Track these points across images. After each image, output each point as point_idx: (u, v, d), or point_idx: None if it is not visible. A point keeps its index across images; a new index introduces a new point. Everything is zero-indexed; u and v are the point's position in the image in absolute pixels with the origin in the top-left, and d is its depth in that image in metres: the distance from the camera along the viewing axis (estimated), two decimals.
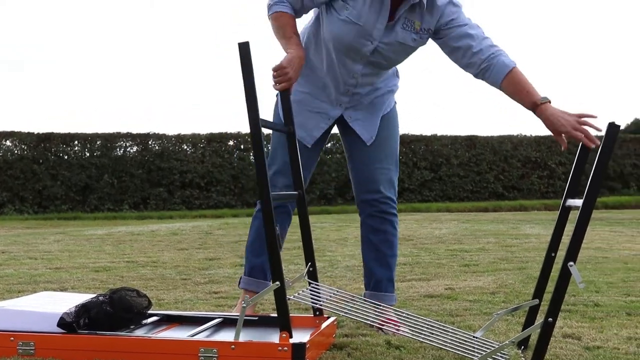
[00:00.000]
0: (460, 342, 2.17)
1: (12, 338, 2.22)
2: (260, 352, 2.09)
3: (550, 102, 2.30)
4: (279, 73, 2.40)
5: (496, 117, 39.46)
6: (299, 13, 2.55)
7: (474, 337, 2.21)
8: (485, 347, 2.12)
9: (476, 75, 2.48)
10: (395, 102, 2.79)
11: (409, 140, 17.30)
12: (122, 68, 35.65)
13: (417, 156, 17.29)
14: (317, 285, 2.42)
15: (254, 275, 2.73)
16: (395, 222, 2.73)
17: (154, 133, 16.13)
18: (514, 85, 2.38)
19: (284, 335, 2.10)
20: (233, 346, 2.10)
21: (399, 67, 2.76)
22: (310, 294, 2.37)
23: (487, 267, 4.56)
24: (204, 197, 15.99)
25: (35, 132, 15.51)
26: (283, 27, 2.49)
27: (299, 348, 2.07)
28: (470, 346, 2.14)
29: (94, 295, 2.43)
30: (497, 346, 2.07)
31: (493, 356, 2.06)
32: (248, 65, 2.12)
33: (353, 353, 2.29)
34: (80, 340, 2.20)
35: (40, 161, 15.35)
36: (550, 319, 1.93)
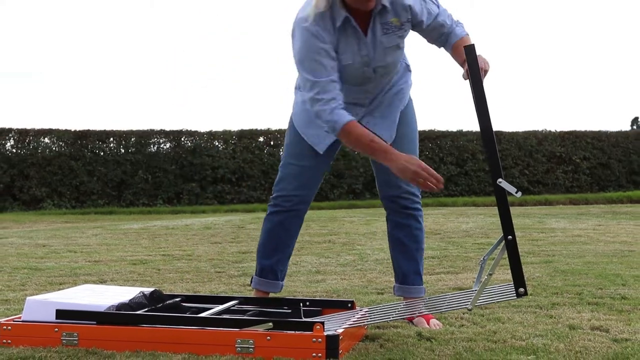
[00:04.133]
0: (457, 301, 2.38)
1: (56, 329, 2.31)
2: (295, 343, 2.16)
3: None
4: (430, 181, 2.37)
5: (521, 112, 39.05)
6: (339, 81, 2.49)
7: (473, 290, 2.39)
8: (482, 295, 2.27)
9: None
10: (411, 99, 2.80)
11: (435, 136, 17.27)
12: (156, 66, 35.99)
13: (443, 151, 17.26)
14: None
15: (264, 276, 2.81)
16: (418, 216, 2.78)
17: (187, 130, 16.33)
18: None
19: (318, 327, 2.17)
20: (269, 337, 2.18)
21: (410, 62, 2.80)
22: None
23: None
24: (235, 192, 16.14)
25: (72, 130, 15.82)
26: (359, 138, 2.43)
27: (333, 339, 2.14)
28: (466, 300, 2.33)
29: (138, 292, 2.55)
30: (478, 287, 2.22)
31: (494, 298, 2.25)
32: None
33: (385, 344, 2.35)
34: (122, 331, 2.29)
35: (78, 157, 15.65)
36: (509, 237, 2.07)
